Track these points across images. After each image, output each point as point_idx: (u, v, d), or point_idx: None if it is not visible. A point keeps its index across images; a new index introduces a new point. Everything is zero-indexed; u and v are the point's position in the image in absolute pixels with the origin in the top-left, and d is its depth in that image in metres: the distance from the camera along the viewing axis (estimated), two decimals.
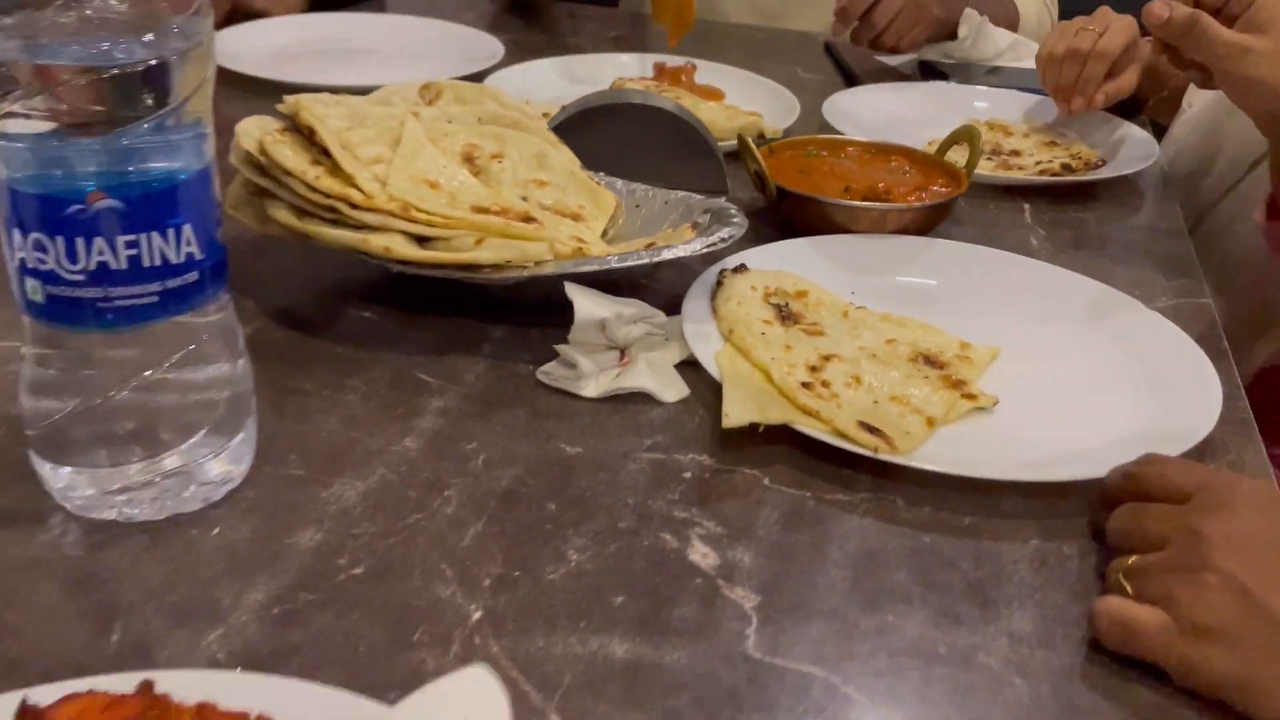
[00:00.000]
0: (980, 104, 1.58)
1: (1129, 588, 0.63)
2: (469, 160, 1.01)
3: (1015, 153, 1.42)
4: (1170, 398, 0.85)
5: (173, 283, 0.61)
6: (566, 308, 0.84)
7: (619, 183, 1.06)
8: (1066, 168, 1.34)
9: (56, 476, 0.66)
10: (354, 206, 0.85)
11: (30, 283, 0.59)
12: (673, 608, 0.64)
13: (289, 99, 0.93)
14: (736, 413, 0.76)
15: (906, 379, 0.86)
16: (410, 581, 0.64)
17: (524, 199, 0.99)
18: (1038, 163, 1.37)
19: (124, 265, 0.59)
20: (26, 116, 0.55)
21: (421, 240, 0.86)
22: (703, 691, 0.58)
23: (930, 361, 0.89)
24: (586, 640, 0.61)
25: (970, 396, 0.85)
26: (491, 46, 1.64)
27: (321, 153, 0.89)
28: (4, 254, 0.60)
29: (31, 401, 0.64)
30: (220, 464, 0.68)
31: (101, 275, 0.59)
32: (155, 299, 0.61)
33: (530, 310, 0.92)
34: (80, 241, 0.58)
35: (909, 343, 0.91)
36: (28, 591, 0.61)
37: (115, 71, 0.55)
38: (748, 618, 0.63)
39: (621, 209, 1.03)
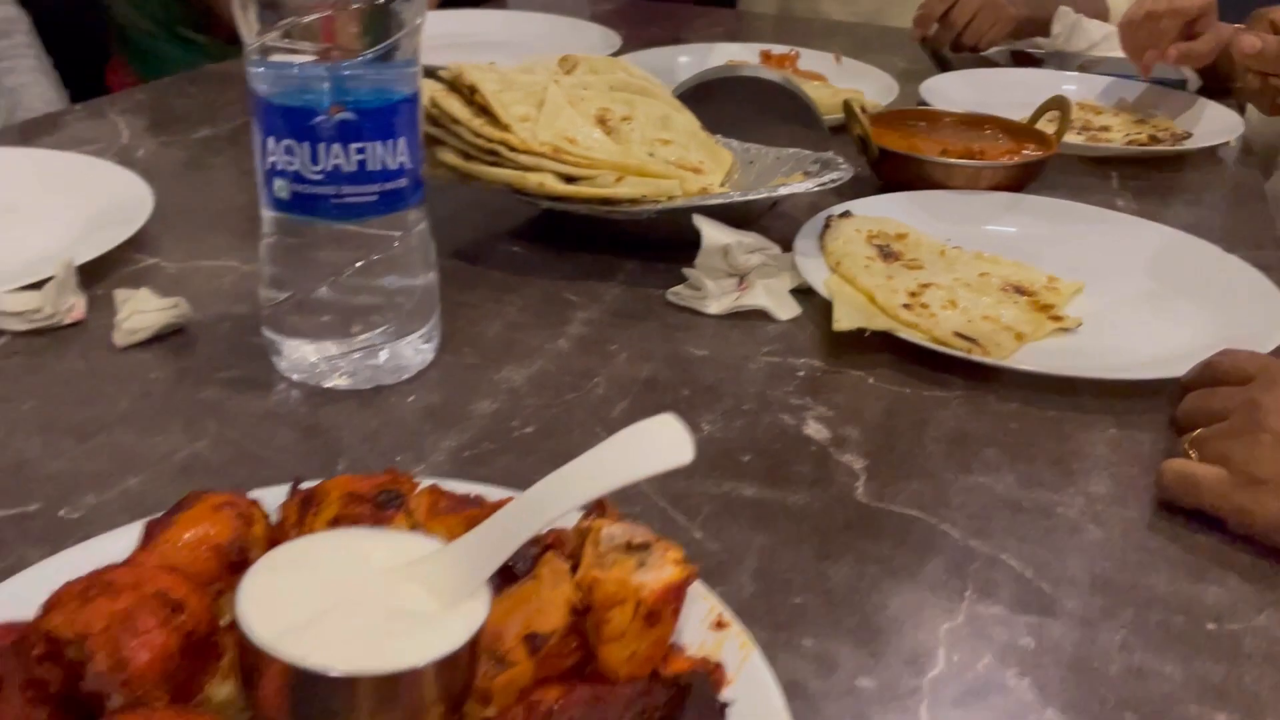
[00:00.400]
0: (1069, 87, 1.66)
1: (1193, 455, 0.72)
2: (602, 122, 1.14)
3: (1104, 128, 1.50)
4: (1243, 326, 0.94)
5: (389, 185, 0.75)
6: (690, 246, 0.96)
7: (734, 142, 1.18)
8: (1154, 139, 1.42)
9: (284, 350, 0.80)
10: (512, 149, 0.99)
11: (278, 182, 0.74)
12: (791, 466, 0.75)
13: (451, 65, 1.07)
14: (846, 318, 0.88)
15: (998, 303, 0.96)
16: (571, 438, 0.76)
17: (650, 155, 1.12)
18: (1125, 135, 1.45)
19: (353, 168, 0.73)
20: (288, 47, 0.70)
21: (568, 180, 1.00)
22: (819, 523, 0.69)
23: (1020, 290, 0.99)
24: (720, 484, 0.73)
25: (1056, 318, 0.95)
26: (610, 39, 1.78)
27: (479, 110, 1.03)
28: (255, 162, 0.75)
29: (267, 287, 0.79)
30: (414, 348, 0.82)
31: (335, 176, 0.73)
32: (375, 198, 0.75)
33: (657, 247, 1.05)
34: (321, 147, 0.72)
35: (1000, 276, 1.01)
36: (268, 437, 0.75)
37: (357, 8, 0.69)
38: (856, 475, 0.75)
39: (737, 165, 1.16)
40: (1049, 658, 0.59)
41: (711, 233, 0.96)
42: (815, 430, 0.79)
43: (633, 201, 0.99)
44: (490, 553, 0.50)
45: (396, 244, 0.78)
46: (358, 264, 0.77)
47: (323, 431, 0.76)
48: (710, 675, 0.52)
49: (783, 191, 1.00)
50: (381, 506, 0.56)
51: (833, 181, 1.00)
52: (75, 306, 0.88)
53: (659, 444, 0.50)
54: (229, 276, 0.98)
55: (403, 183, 0.76)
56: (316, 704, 0.44)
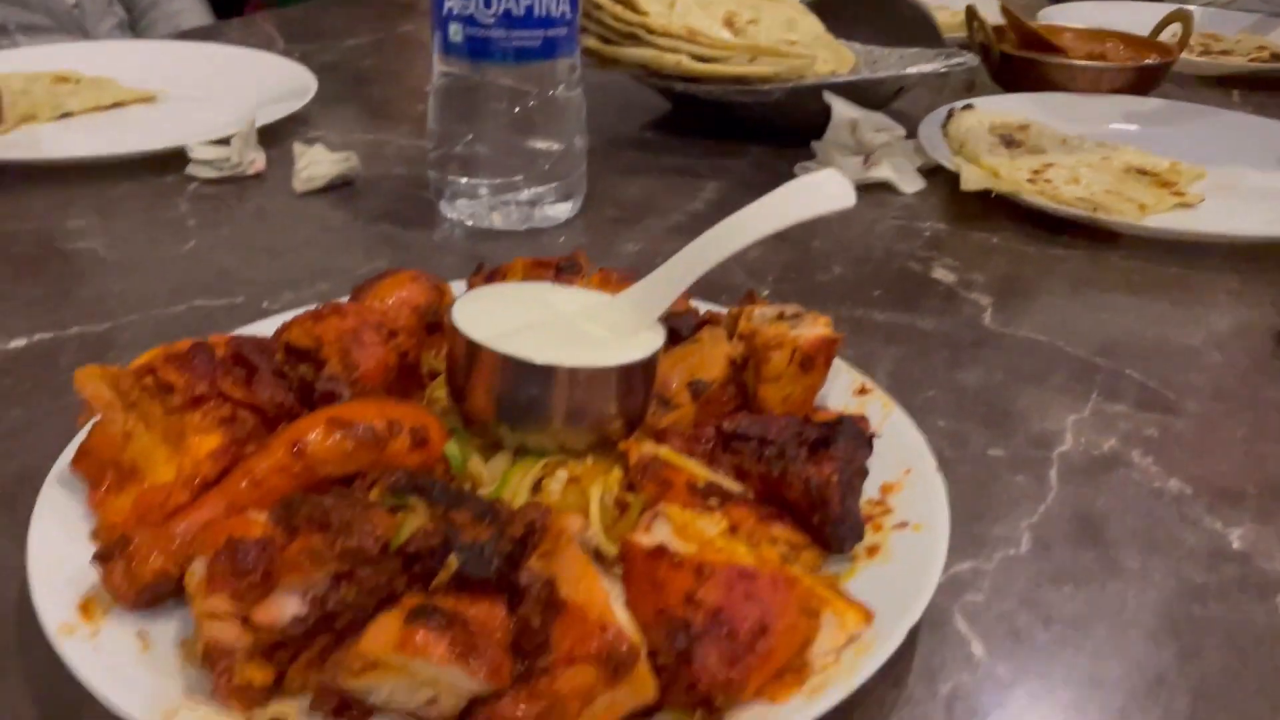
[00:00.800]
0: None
1: None
2: (729, 24, 1.19)
3: (1226, 52, 1.50)
4: None
5: (550, 32, 0.81)
6: (816, 133, 1.01)
7: (857, 44, 1.22)
8: (1276, 57, 1.41)
9: (448, 193, 0.88)
10: (650, 32, 1.05)
11: (453, 27, 0.81)
12: (920, 299, 0.80)
13: None
14: (973, 179, 0.92)
15: (1120, 181, 0.99)
16: (711, 274, 0.82)
17: None
18: (1247, 55, 1.45)
19: (521, 13, 0.80)
20: None
21: (704, 61, 1.05)
22: (948, 340, 0.74)
23: (1142, 171, 1.01)
24: (853, 310, 0.77)
25: (1178, 194, 0.97)
26: None
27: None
28: (431, 12, 0.83)
29: (434, 134, 0.86)
30: (563, 198, 0.89)
31: (506, 20, 0.80)
32: (538, 43, 0.81)
33: (784, 134, 1.10)
34: None
35: (1122, 160, 1.04)
36: (438, 261, 0.83)
37: None
38: (983, 307, 0.79)
39: (861, 63, 1.20)
40: (1172, 443, 0.63)
41: (841, 108, 1.00)
42: (942, 275, 0.84)
43: (765, 80, 1.04)
44: (662, 292, 0.56)
45: (554, 93, 0.85)
46: (516, 110, 0.84)
47: (482, 258, 0.83)
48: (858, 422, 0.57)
49: (911, 71, 1.04)
50: (561, 272, 0.62)
51: (960, 65, 1.04)
52: (257, 161, 0.97)
53: (825, 191, 0.55)
54: (389, 147, 1.06)
55: (562, 31, 0.82)
56: (519, 392, 0.50)
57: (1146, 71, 1.23)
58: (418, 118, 1.17)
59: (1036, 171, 0.99)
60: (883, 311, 0.78)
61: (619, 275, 0.63)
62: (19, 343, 0.68)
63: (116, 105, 1.11)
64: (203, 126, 1.00)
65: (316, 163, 0.94)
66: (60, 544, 0.46)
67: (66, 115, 1.07)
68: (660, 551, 0.43)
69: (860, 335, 0.74)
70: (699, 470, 0.51)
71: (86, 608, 0.44)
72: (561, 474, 0.51)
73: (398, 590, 0.42)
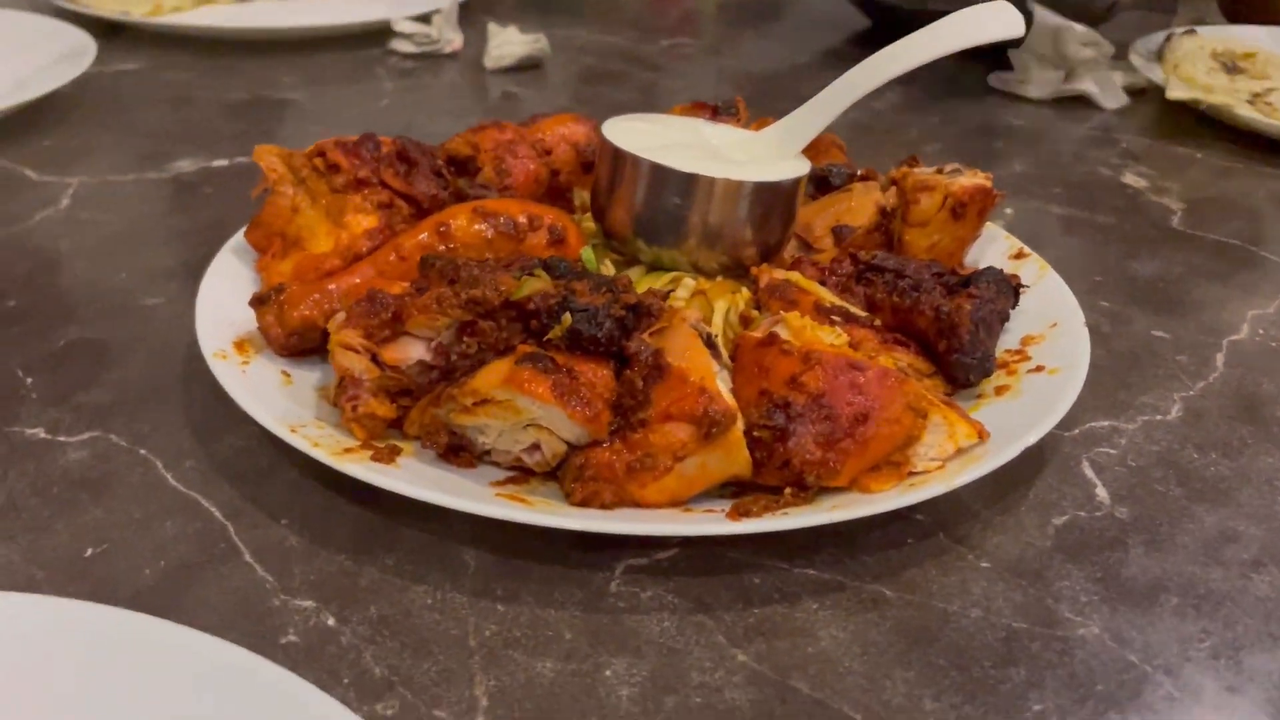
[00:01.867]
0: None
1: None
2: None
3: None
4: None
5: None
6: (1013, 42, 0.96)
7: None
8: None
9: None
10: None
11: None
12: (1104, 199, 0.75)
13: None
14: (1181, 89, 0.85)
15: None
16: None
17: None
18: None
19: None
20: None
21: None
22: (1128, 235, 0.70)
23: None
24: (1028, 202, 0.74)
25: None
26: None
27: None
28: None
29: None
30: None
31: None
32: None
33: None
34: None
35: None
36: None
37: None
38: (1172, 212, 0.74)
39: None
40: None
41: (1044, 15, 0.95)
42: (1132, 180, 0.79)
43: None
44: (809, 123, 0.55)
45: None
46: None
47: None
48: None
49: None
50: (719, 113, 0.63)
51: None
52: (455, 41, 1.01)
53: (993, 19, 0.53)
54: (578, 40, 1.08)
55: None
56: (660, 201, 0.51)
57: None
58: (609, 11, 1.19)
59: (1257, 95, 0.91)
60: (1061, 206, 0.74)
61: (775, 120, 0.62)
62: (221, 162, 0.74)
63: None
64: (406, 6, 1.05)
65: (509, 42, 0.97)
66: (225, 295, 0.51)
67: None
68: (771, 339, 0.43)
69: (1034, 223, 0.71)
70: (827, 294, 0.50)
71: (241, 345, 0.48)
72: (689, 282, 0.51)
73: (515, 348, 0.43)
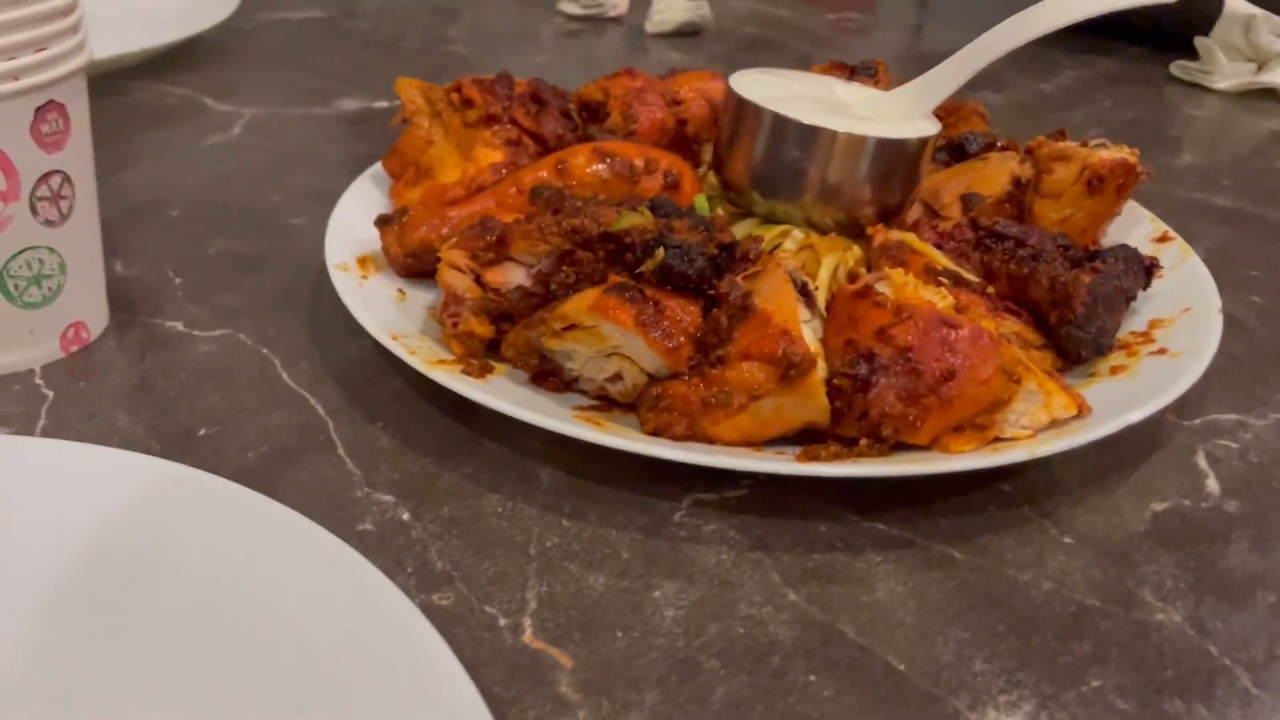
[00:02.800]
0: None
1: None
2: None
3: None
4: None
5: None
6: (1201, 29, 0.90)
7: None
8: None
9: None
10: None
11: None
12: (1277, 195, 0.70)
13: None
14: None
15: None
16: None
17: None
18: None
19: None
20: None
21: None
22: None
23: None
24: (1190, 193, 0.70)
25: None
26: None
27: None
28: None
29: None
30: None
31: None
32: None
33: (1165, 34, 0.99)
34: None
35: None
36: None
37: None
38: None
39: None
40: None
41: (1236, 3, 0.89)
42: None
43: None
44: (942, 83, 0.53)
45: None
46: None
47: None
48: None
49: None
50: (856, 73, 0.62)
51: None
52: (620, 5, 1.03)
53: None
54: (742, 9, 1.08)
55: None
56: (779, 151, 0.51)
57: None
58: None
59: None
60: (1227, 199, 0.69)
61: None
62: (381, 104, 0.78)
63: None
64: None
65: (671, 8, 0.98)
66: (358, 215, 0.53)
67: None
68: (866, 290, 0.43)
69: (1189, 210, 0.67)
70: (940, 258, 0.49)
71: (363, 261, 0.50)
72: (798, 234, 0.51)
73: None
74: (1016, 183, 0.55)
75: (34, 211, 0.43)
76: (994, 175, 0.56)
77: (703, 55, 0.94)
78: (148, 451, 0.41)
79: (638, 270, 0.43)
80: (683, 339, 0.41)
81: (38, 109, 0.41)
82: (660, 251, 0.42)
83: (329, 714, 0.29)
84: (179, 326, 0.50)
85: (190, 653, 0.31)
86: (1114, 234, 0.56)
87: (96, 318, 0.48)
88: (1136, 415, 0.41)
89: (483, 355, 0.46)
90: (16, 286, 0.43)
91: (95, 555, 0.34)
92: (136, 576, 0.33)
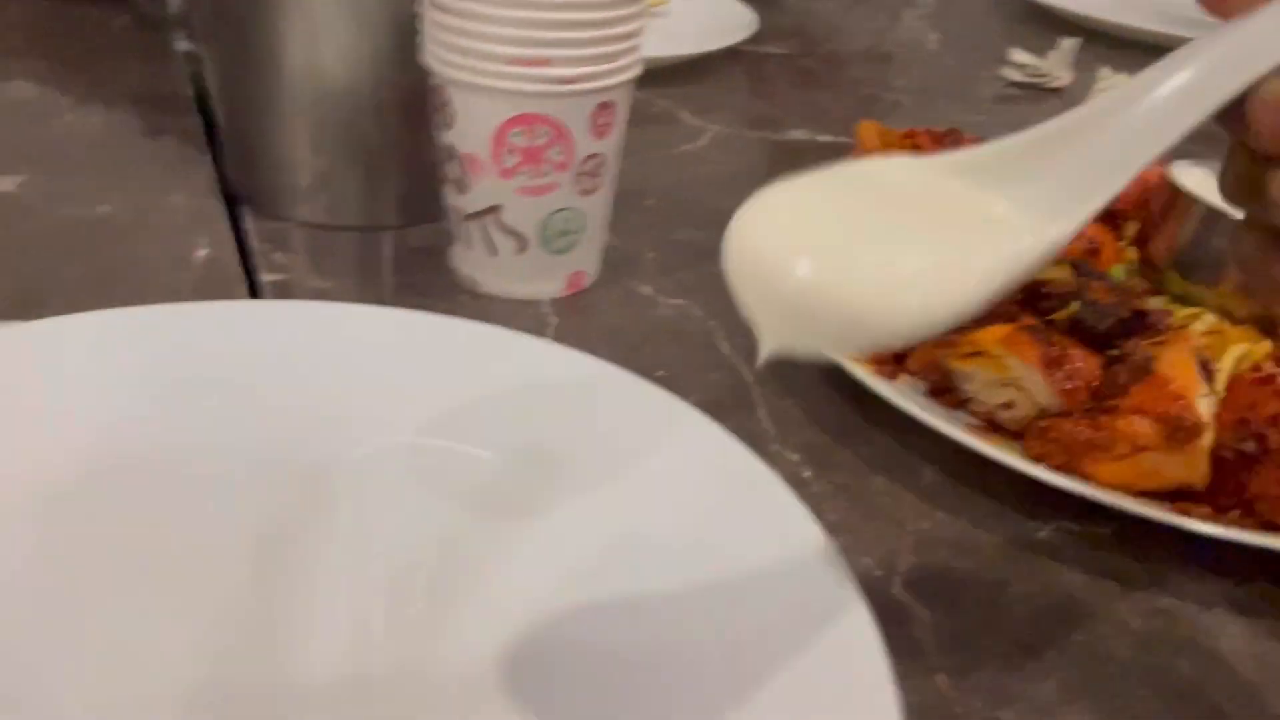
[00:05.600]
0: None
1: None
2: None
3: None
4: None
5: None
6: None
7: None
8: None
9: None
10: None
11: None
12: None
13: None
14: None
15: None
16: None
17: None
18: None
19: None
20: None
21: None
22: None
23: None
24: None
25: None
26: None
27: None
28: None
29: None
30: None
31: None
32: None
33: None
34: None
35: None
36: None
37: None
38: None
39: None
40: None
41: None
42: None
43: None
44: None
45: None
46: None
47: None
48: None
49: None
50: None
51: None
52: (1064, 78, 1.06)
53: None
54: None
55: None
56: (1211, 238, 0.54)
57: None
58: None
59: None
60: None
61: None
62: (827, 138, 0.88)
63: None
64: (1029, 38, 1.12)
65: (1114, 87, 1.00)
66: None
67: None
68: (1268, 379, 0.45)
69: None
70: None
71: None
72: (1209, 318, 0.53)
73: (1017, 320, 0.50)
74: None
75: (576, 181, 0.56)
76: None
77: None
78: None
79: (1049, 317, 0.48)
80: (1080, 384, 0.46)
81: (598, 105, 0.54)
82: (1075, 304, 0.48)
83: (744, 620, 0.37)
84: (649, 291, 0.61)
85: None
86: None
87: (593, 270, 0.61)
88: None
89: (893, 363, 0.53)
90: (550, 235, 0.57)
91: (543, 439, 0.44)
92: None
